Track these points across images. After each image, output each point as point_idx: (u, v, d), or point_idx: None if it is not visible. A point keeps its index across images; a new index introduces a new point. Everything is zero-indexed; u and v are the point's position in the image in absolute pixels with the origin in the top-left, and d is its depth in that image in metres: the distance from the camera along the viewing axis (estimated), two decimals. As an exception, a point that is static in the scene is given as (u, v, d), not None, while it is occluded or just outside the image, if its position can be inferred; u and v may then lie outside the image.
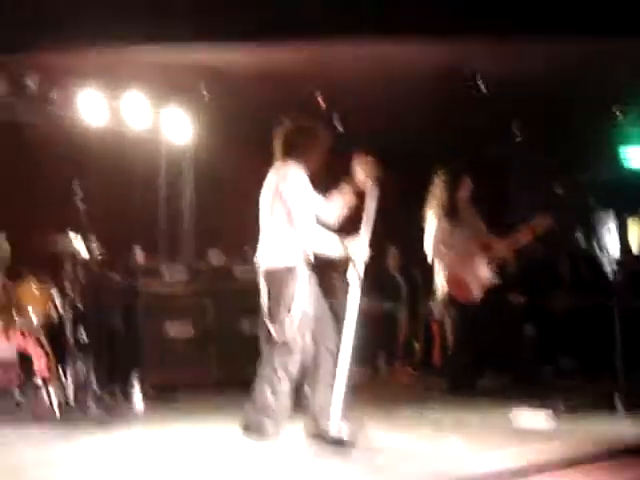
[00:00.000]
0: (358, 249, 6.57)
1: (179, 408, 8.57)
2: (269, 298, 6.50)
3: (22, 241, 9.12)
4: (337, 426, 6.38)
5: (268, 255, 6.56)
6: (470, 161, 12.76)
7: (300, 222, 6.45)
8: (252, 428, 6.46)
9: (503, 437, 6.63)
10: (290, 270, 6.46)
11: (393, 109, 11.00)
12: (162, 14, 8.50)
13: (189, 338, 9.87)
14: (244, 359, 9.71)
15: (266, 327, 6.49)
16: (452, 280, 9.00)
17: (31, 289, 8.32)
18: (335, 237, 6.56)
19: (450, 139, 12.91)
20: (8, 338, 7.89)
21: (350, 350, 6.50)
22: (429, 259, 9.12)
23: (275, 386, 6.44)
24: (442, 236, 9.03)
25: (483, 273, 9.01)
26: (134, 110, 10.20)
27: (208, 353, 9.95)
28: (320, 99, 10.90)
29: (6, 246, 8.98)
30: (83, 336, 8.51)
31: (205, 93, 10.65)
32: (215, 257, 10.48)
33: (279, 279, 6.47)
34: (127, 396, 8.61)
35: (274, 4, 8.53)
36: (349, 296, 6.60)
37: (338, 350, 6.62)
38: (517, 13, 8.33)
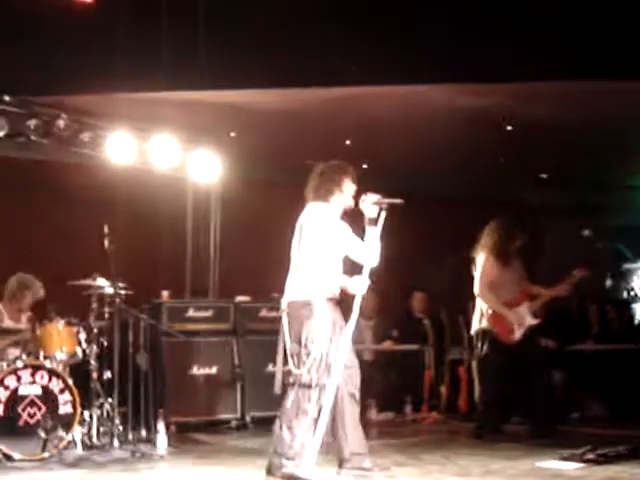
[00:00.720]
0: (359, 285, 6.57)
1: (204, 449, 8.50)
2: (290, 334, 6.51)
3: (51, 282, 9.16)
4: (312, 469, 6.30)
5: (289, 289, 6.67)
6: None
7: (309, 257, 6.49)
8: (274, 470, 6.42)
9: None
10: (308, 304, 6.51)
11: (423, 152, 11.02)
12: (187, 62, 8.60)
13: (214, 377, 9.81)
14: (268, 399, 9.76)
15: (287, 365, 6.51)
16: (496, 318, 9.07)
17: (57, 329, 8.31)
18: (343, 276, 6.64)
19: (480, 183, 12.93)
20: (34, 375, 7.86)
21: (335, 389, 6.44)
22: (476, 294, 9.21)
23: (292, 426, 6.41)
24: (492, 276, 9.12)
25: (527, 317, 9.08)
26: (162, 150, 10.24)
27: (233, 393, 9.89)
28: (349, 141, 10.92)
29: (41, 290, 9.05)
30: (108, 375, 8.53)
31: (232, 133, 10.69)
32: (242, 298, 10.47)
33: (298, 314, 6.55)
34: (152, 436, 8.57)
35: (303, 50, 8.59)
36: (344, 331, 6.57)
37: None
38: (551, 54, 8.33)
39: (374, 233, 6.70)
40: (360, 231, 6.79)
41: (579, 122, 9.97)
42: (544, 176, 13.53)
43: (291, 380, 6.58)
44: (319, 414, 6.39)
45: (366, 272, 6.63)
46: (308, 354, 6.45)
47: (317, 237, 6.60)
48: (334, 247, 6.68)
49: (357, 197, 6.83)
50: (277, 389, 6.76)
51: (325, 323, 6.52)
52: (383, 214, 6.69)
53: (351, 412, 6.67)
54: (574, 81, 8.50)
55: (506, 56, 8.33)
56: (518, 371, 8.85)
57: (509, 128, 10.52)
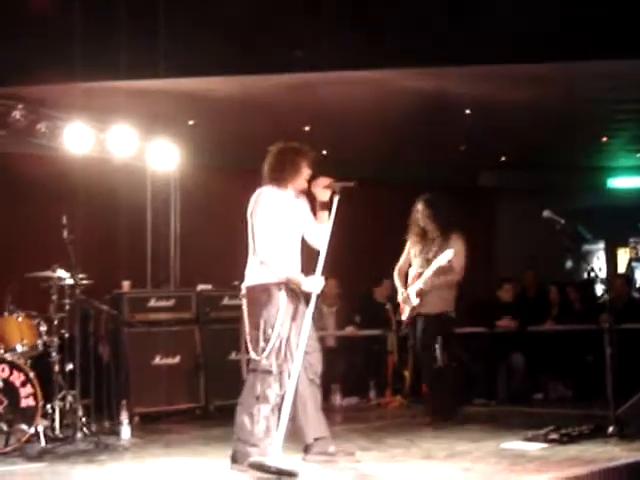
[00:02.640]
0: (313, 284, 6.56)
1: (169, 439, 8.46)
2: (249, 320, 6.54)
3: (8, 274, 9.07)
4: (278, 456, 6.29)
5: (248, 275, 6.66)
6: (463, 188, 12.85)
7: (260, 243, 6.52)
8: (239, 458, 6.41)
9: (495, 465, 6.58)
10: (266, 290, 6.52)
11: (385, 138, 11.06)
12: (146, 50, 8.55)
13: (177, 367, 9.77)
14: (232, 388, 9.74)
15: (247, 352, 6.50)
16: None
17: (17, 321, 8.23)
18: (295, 265, 6.64)
19: (440, 166, 12.99)
20: (-6, 370, 7.79)
21: (296, 375, 6.45)
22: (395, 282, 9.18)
23: (254, 413, 6.42)
24: (406, 254, 9.12)
25: (412, 297, 8.91)
26: (120, 140, 10.17)
27: (196, 382, 9.87)
28: (308, 128, 10.92)
29: None
30: (70, 367, 8.46)
31: (191, 122, 10.65)
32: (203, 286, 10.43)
33: (256, 299, 6.54)
34: (115, 427, 8.52)
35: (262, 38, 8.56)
36: (303, 323, 6.56)
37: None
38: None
39: (325, 217, 6.73)
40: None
41: (535, 103, 10.04)
42: (504, 159, 13.64)
43: (251, 366, 6.58)
44: (281, 400, 6.39)
45: (320, 268, 6.60)
46: (267, 340, 6.45)
47: (269, 222, 6.58)
48: (288, 230, 6.67)
49: (311, 181, 6.82)
50: (245, 375, 6.78)
51: (284, 308, 6.51)
52: (336, 198, 6.70)
53: (313, 398, 6.68)
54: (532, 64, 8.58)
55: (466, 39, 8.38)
56: (477, 354, 8.84)
57: (468, 112, 10.57)
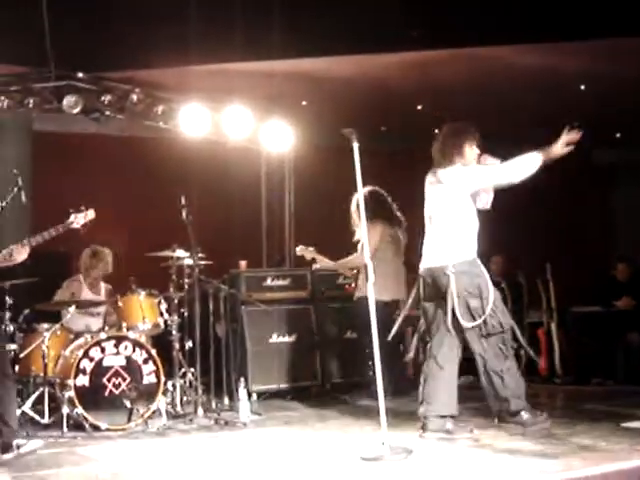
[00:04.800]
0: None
1: (287, 416, 8.55)
2: (465, 292, 6.77)
3: (130, 253, 9.28)
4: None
5: (451, 251, 6.86)
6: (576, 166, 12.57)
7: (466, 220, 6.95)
8: (504, 416, 6.91)
9: (616, 444, 6.52)
10: (474, 262, 6.88)
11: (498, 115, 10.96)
12: (261, 31, 8.60)
13: (293, 345, 9.89)
14: (347, 366, 9.82)
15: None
16: None
17: (139, 300, 8.41)
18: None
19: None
20: (118, 346, 7.98)
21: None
22: None
23: (503, 371, 6.80)
24: None
25: None
26: (235, 121, 10.26)
27: (312, 360, 9.98)
28: (420, 107, 10.89)
29: (109, 265, 9.15)
30: (190, 345, 8.63)
31: (304, 102, 10.70)
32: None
33: (469, 271, 6.83)
34: (234, 404, 8.65)
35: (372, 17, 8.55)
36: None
37: None
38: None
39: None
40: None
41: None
42: (619, 135, 13.37)
43: (483, 332, 6.78)
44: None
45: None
46: (488, 304, 6.73)
47: (457, 199, 6.88)
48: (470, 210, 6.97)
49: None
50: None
51: (486, 274, 6.86)
52: None
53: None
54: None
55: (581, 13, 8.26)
56: None
57: (582, 87, 10.40)
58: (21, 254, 6.68)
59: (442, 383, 6.90)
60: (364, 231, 6.80)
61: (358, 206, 8.75)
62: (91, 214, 6.89)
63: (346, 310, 9.77)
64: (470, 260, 6.87)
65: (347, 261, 9.17)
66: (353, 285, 9.34)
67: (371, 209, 8.52)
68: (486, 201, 7.06)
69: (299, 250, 9.39)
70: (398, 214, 9.20)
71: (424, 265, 7.01)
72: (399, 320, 7.43)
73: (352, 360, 9.67)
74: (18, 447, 6.32)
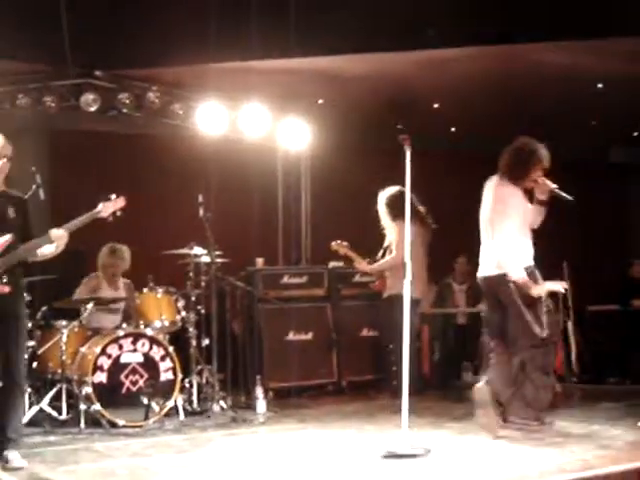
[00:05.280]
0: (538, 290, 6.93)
1: (303, 414, 8.57)
2: (528, 301, 6.83)
3: (146, 251, 9.30)
4: None
5: (522, 259, 6.92)
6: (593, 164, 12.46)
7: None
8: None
9: (634, 443, 6.50)
10: (531, 271, 6.92)
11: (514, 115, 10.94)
12: (277, 30, 8.62)
13: (310, 343, 9.90)
14: (364, 364, 9.83)
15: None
16: None
17: (156, 297, 8.45)
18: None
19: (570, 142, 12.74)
20: (135, 343, 8.00)
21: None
22: None
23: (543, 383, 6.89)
24: None
25: None
26: (252, 119, 10.28)
27: (329, 358, 9.98)
28: (437, 105, 10.88)
29: (126, 262, 9.16)
30: (207, 342, 8.65)
31: (320, 100, 10.71)
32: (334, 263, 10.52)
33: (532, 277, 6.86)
34: (250, 402, 8.67)
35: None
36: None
37: None
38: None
39: (540, 212, 7.10)
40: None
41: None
42: (636, 134, 13.33)
43: (531, 343, 6.83)
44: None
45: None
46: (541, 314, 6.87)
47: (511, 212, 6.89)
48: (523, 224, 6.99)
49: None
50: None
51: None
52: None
53: None
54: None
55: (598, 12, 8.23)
56: None
57: (600, 86, 10.38)
58: (51, 248, 6.57)
59: None
60: (407, 229, 6.80)
61: (388, 205, 8.87)
62: (121, 202, 6.79)
63: (364, 308, 9.78)
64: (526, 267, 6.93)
65: (380, 265, 9.14)
66: (377, 283, 9.29)
67: (400, 208, 8.55)
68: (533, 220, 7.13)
69: (334, 245, 9.37)
70: (424, 213, 9.18)
71: (482, 274, 7.10)
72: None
73: (369, 358, 9.68)
74: (6, 461, 6.15)
